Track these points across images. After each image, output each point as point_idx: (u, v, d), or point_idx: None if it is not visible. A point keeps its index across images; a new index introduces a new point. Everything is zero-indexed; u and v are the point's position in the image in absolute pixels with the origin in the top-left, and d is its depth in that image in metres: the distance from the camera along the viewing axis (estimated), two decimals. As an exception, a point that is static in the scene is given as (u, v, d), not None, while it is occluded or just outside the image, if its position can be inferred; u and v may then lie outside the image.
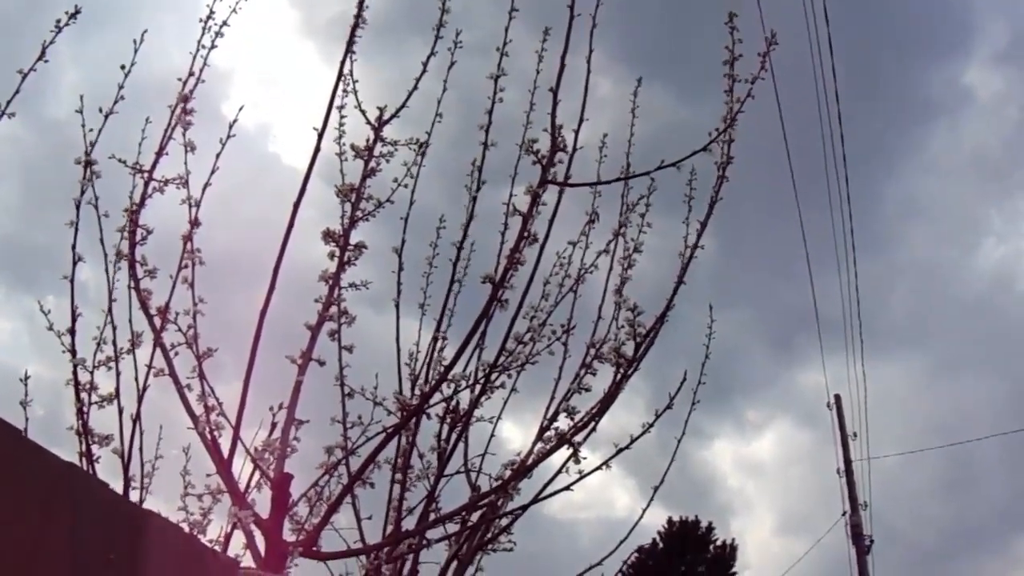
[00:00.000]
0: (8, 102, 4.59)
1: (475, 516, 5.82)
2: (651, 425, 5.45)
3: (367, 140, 5.12)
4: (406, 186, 5.43)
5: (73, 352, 5.11)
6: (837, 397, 27.70)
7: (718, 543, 45.97)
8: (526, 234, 5.00)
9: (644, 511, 6.38)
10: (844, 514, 26.55)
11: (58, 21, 4.84)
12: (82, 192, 5.13)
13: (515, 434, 6.61)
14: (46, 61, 4.81)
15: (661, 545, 44.57)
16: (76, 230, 5.12)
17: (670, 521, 45.04)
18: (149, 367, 5.03)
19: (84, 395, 5.09)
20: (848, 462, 27.03)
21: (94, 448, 5.10)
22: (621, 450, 5.36)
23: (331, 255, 4.98)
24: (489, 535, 6.05)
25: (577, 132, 5.10)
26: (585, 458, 5.22)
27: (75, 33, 4.84)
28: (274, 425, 4.69)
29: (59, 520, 2.88)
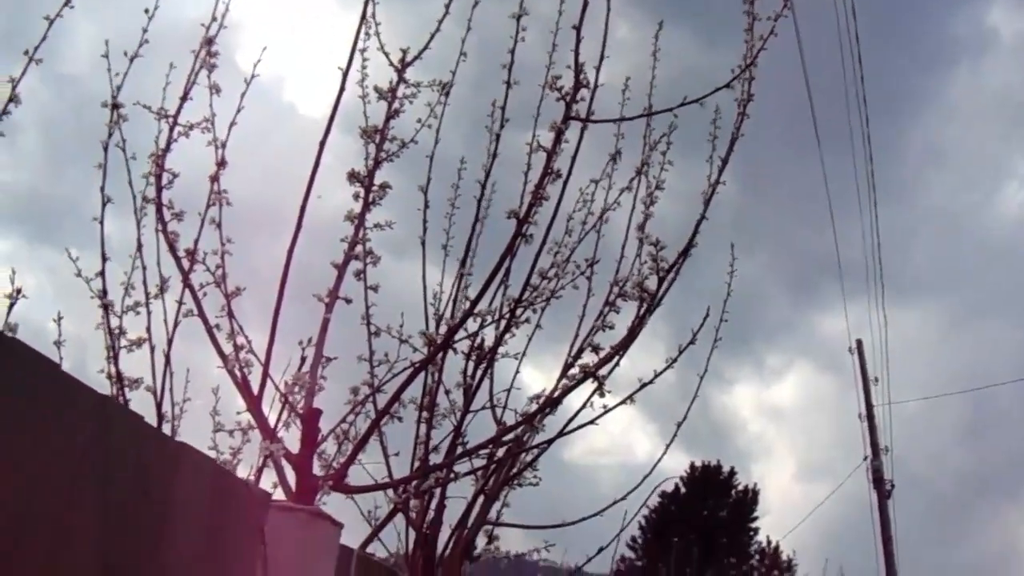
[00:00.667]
0: (36, 48, 4.61)
1: (501, 451, 5.90)
2: (674, 360, 5.49)
3: (390, 82, 5.15)
4: (430, 126, 5.46)
5: (104, 295, 5.17)
6: (859, 342, 27.72)
7: (740, 488, 46.22)
8: (550, 170, 5.03)
9: (667, 447, 6.46)
10: (865, 459, 26.60)
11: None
12: (109, 135, 5.17)
13: (539, 377, 6.67)
14: (72, 7, 4.82)
15: (684, 490, 44.80)
16: (104, 172, 5.16)
17: (692, 466, 45.32)
18: (180, 303, 5.08)
19: (114, 340, 5.16)
20: (870, 407, 27.06)
21: (126, 392, 5.18)
22: (645, 384, 5.41)
23: (356, 196, 5.02)
24: (515, 470, 6.13)
25: (598, 70, 5.10)
26: (610, 391, 5.28)
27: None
28: (303, 360, 4.74)
29: (95, 452, 2.94)
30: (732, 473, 46.10)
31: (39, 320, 4.96)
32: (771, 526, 45.33)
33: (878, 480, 26.05)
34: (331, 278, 4.93)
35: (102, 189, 5.15)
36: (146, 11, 5.19)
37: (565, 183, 5.16)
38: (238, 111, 5.22)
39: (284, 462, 4.58)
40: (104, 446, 2.97)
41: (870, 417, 26.90)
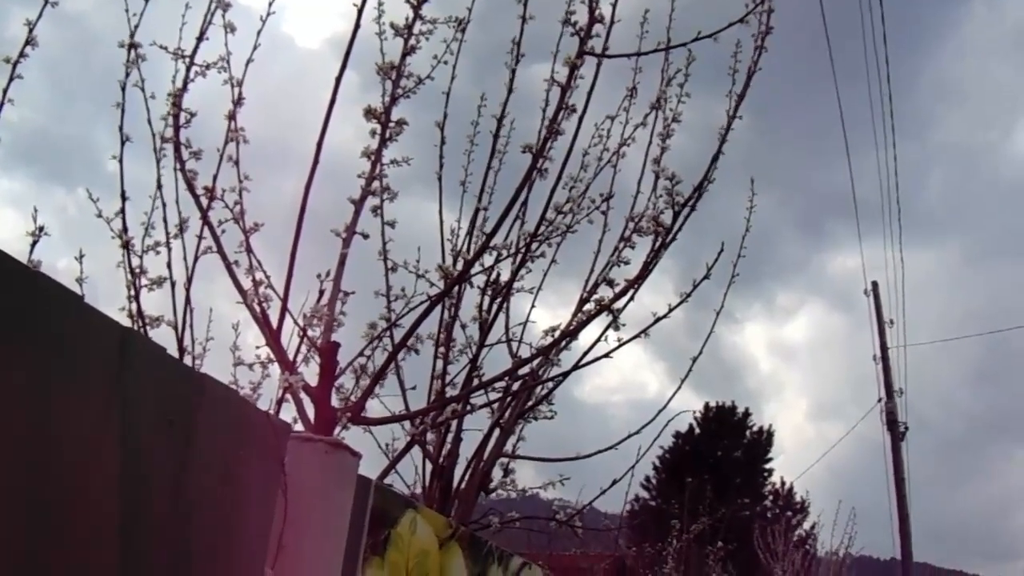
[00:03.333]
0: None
1: (516, 384, 5.97)
2: (688, 295, 5.54)
3: (406, 19, 5.16)
4: (446, 63, 5.48)
5: (124, 230, 5.23)
6: (875, 284, 27.74)
7: (755, 429, 46.42)
8: (564, 105, 5.05)
9: (682, 382, 6.52)
10: (880, 401, 26.67)
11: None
12: (127, 74, 5.21)
13: (554, 312, 6.72)
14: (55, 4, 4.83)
15: (698, 430, 45.02)
16: (123, 111, 5.21)
17: (706, 407, 45.52)
18: (200, 237, 5.14)
19: (135, 278, 5.23)
20: (884, 349, 27.10)
21: (146, 330, 5.25)
22: (660, 318, 5.46)
23: (372, 132, 5.04)
24: (530, 403, 6.20)
25: (615, 5, 5.10)
26: (624, 325, 5.34)
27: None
28: (321, 293, 4.79)
29: (118, 383, 2.99)
30: (747, 414, 46.34)
31: (49, 260, 5.01)
32: (784, 466, 45.67)
33: (892, 422, 26.15)
34: (345, 214, 4.97)
35: (120, 128, 5.20)
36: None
37: (581, 118, 5.18)
38: (254, 48, 5.24)
39: (303, 395, 4.64)
40: (127, 377, 3.02)
41: (884, 359, 26.96)
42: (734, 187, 6.25)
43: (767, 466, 46.02)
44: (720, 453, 44.85)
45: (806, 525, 35.93)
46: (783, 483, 44.68)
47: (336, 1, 5.13)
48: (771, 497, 44.95)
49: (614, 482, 6.91)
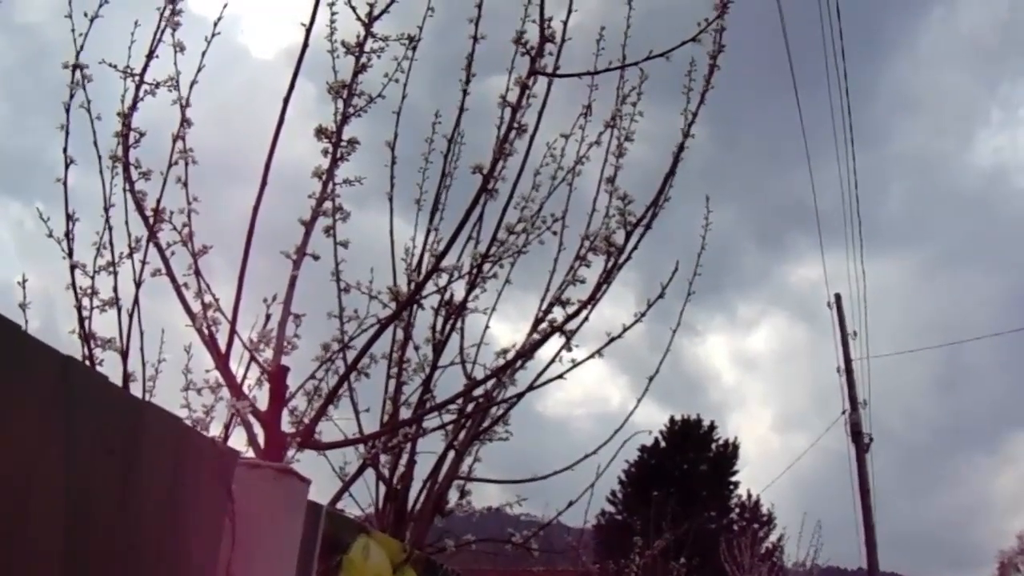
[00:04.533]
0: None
1: (471, 405, 5.92)
2: (643, 314, 5.52)
3: (357, 36, 5.12)
4: (397, 81, 5.42)
5: (71, 254, 5.15)
6: (838, 296, 27.87)
7: (720, 442, 46.52)
8: (516, 125, 5.01)
9: (639, 401, 6.48)
10: (844, 413, 26.79)
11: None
12: (71, 96, 5.14)
13: (510, 330, 6.68)
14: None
15: (663, 444, 45.09)
16: (67, 133, 5.14)
17: (672, 420, 45.59)
18: (143, 263, 5.07)
19: (84, 300, 5.16)
20: (848, 361, 27.23)
21: (96, 352, 5.18)
22: (613, 339, 5.43)
23: (324, 151, 5.00)
24: (485, 424, 6.16)
25: (566, 23, 5.08)
26: (577, 346, 5.30)
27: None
28: (268, 317, 4.74)
29: (57, 413, 2.93)
30: (712, 427, 46.44)
31: (6, 275, 4.94)
32: (749, 478, 45.82)
33: (856, 434, 26.26)
34: (298, 231, 4.93)
35: (65, 150, 5.12)
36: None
37: (532, 137, 5.14)
38: (199, 70, 5.18)
39: (253, 419, 4.58)
40: (68, 406, 2.97)
41: (848, 371, 27.08)
42: (694, 197, 6.21)
43: (733, 479, 46.15)
44: (686, 466, 44.93)
45: (773, 537, 36.06)
46: (749, 496, 44.83)
47: (291, 11, 5.07)
48: (737, 510, 45.04)
49: (570, 503, 6.88)
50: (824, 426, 28.36)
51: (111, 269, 5.23)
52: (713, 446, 46.48)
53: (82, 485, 3.04)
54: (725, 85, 5.57)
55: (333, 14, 5.20)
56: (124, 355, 5.12)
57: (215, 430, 5.26)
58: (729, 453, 46.33)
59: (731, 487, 45.94)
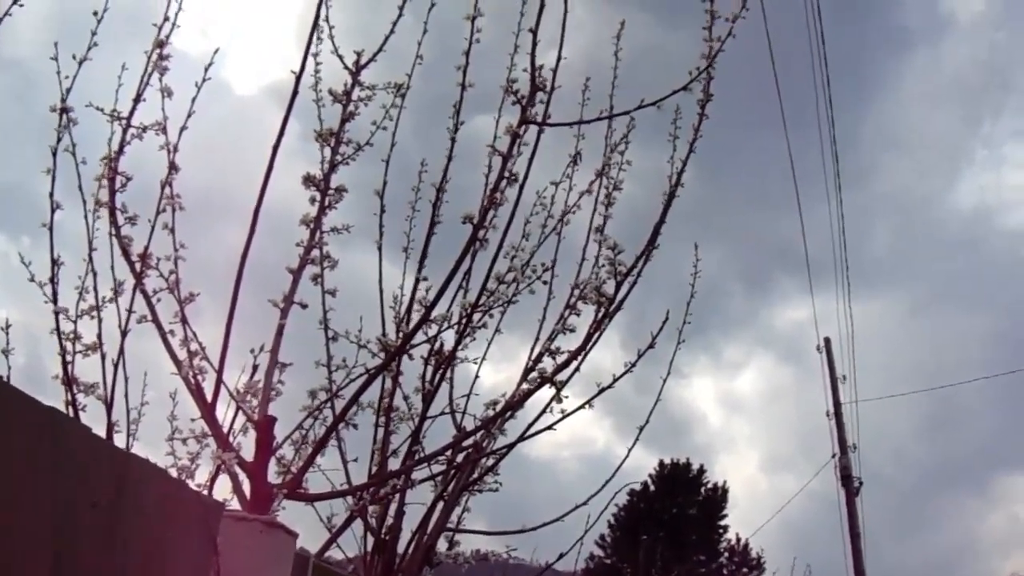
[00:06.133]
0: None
1: (460, 456, 5.86)
2: (633, 364, 5.47)
3: (345, 84, 5.11)
4: (385, 128, 5.41)
5: (55, 300, 5.10)
6: (827, 340, 27.78)
7: (709, 485, 46.37)
8: (506, 174, 4.99)
9: (629, 451, 6.41)
10: (834, 456, 26.69)
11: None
12: (58, 140, 5.10)
13: (500, 377, 6.62)
14: (21, 5, 4.75)
15: (652, 488, 44.92)
16: (53, 178, 5.09)
17: (661, 464, 45.44)
18: (129, 311, 5.02)
19: (68, 344, 5.10)
20: (838, 405, 27.14)
21: (79, 397, 5.11)
22: (603, 389, 5.39)
23: (312, 200, 4.98)
24: (475, 475, 6.09)
25: (555, 72, 5.07)
26: (567, 397, 5.25)
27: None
28: (255, 368, 4.70)
29: (42, 465, 2.89)
30: (701, 471, 46.28)
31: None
32: (739, 520, 45.53)
33: (846, 478, 26.15)
34: (283, 271, 4.89)
35: (51, 195, 5.08)
36: (95, 13, 5.12)
37: (522, 187, 5.12)
38: (188, 116, 5.16)
39: (239, 470, 4.53)
40: (53, 459, 2.93)
41: (838, 415, 27.00)
42: (679, 236, 6.14)
43: (722, 523, 45.95)
44: (675, 510, 44.73)
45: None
46: (738, 539, 44.64)
47: (274, 47, 5.08)
48: (727, 554, 44.85)
49: (561, 555, 6.80)
50: (812, 467, 28.33)
51: (93, 314, 5.17)
52: (702, 489, 46.32)
53: (67, 538, 2.99)
54: (710, 124, 5.55)
55: (318, 63, 5.20)
56: (108, 405, 5.05)
57: (200, 477, 5.19)
58: (718, 496, 46.17)
59: (720, 531, 45.74)
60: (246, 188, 4.76)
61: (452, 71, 5.35)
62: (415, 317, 5.85)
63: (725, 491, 46.11)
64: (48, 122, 5.09)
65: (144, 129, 5.18)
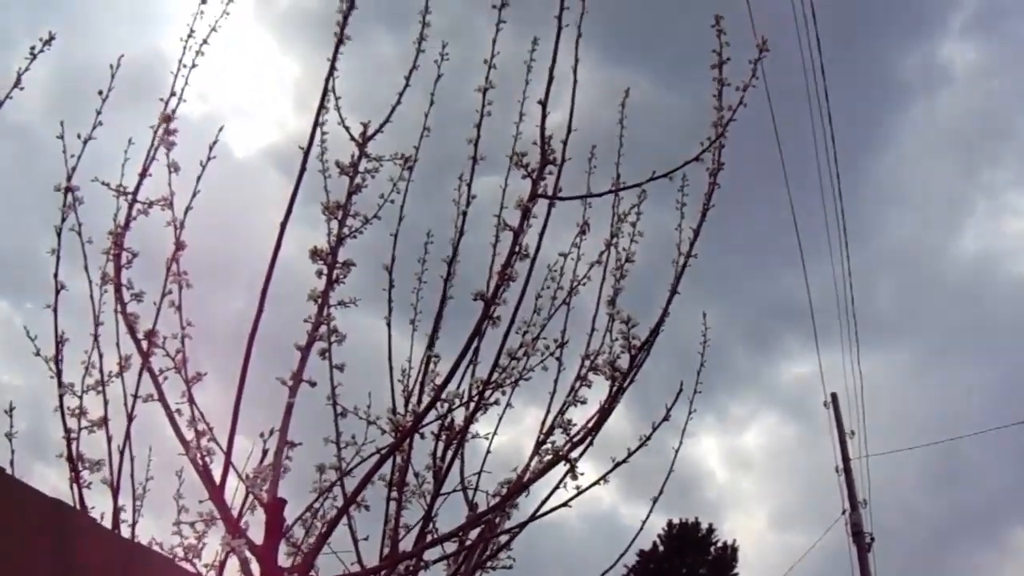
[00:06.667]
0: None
1: (473, 534, 5.77)
2: (648, 438, 5.38)
3: (352, 156, 5.07)
4: (392, 201, 5.37)
5: (59, 379, 5.03)
6: (834, 396, 27.64)
7: (719, 544, 45.97)
8: (517, 249, 4.93)
9: (644, 523, 6.29)
10: (844, 512, 26.49)
11: (32, 48, 4.79)
12: (63, 219, 5.06)
13: (502, 439, 6.52)
14: (22, 88, 4.74)
15: (662, 548, 44.55)
16: (58, 259, 5.06)
17: (670, 524, 45.06)
18: (135, 396, 4.96)
19: (73, 420, 5.04)
20: (847, 460, 26.96)
21: (84, 474, 5.04)
22: (619, 464, 5.30)
23: (319, 273, 4.92)
24: (488, 553, 6.00)
25: (565, 143, 5.03)
26: (583, 473, 5.16)
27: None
28: (265, 453, 4.61)
29: (48, 559, 2.82)
30: (710, 530, 45.88)
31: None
32: (748, 581, 45.07)
33: (857, 534, 25.93)
34: (288, 338, 4.84)
35: (55, 275, 5.04)
36: (100, 93, 5.10)
37: (533, 261, 5.06)
38: (194, 195, 5.13)
39: (249, 554, 4.44)
40: (59, 552, 2.85)
41: (847, 471, 26.80)
42: (680, 296, 6.07)
43: (733, 583, 45.51)
44: (685, 571, 44.33)
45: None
46: (749, 599, 44.19)
47: (272, 110, 5.06)
48: (738, 615, 44.40)
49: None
50: (821, 523, 28.03)
51: (99, 390, 5.10)
52: (712, 548, 45.91)
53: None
54: (701, 184, 5.54)
55: (324, 133, 5.16)
56: (115, 490, 4.98)
57: (208, 556, 5.11)
58: (728, 555, 45.73)
59: (731, 590, 45.32)
60: (246, 252, 4.72)
61: (451, 131, 5.34)
62: (426, 392, 5.79)
63: (735, 550, 45.68)
64: (50, 189, 5.06)
65: (150, 204, 5.14)
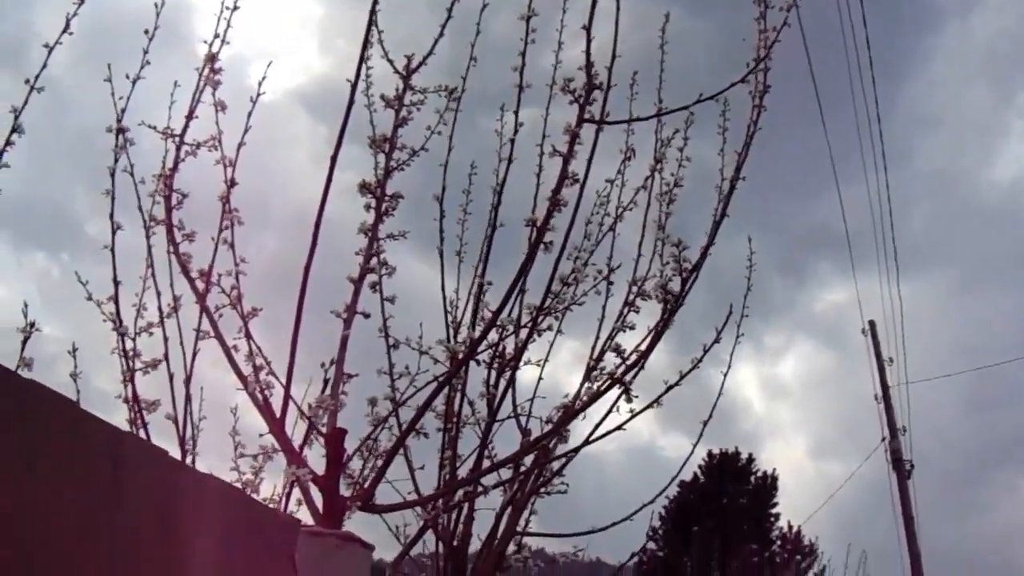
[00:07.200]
0: (36, 76, 4.57)
1: (528, 459, 5.84)
2: (699, 360, 5.43)
3: (396, 89, 5.07)
4: (439, 133, 5.37)
5: (116, 321, 5.10)
6: (872, 323, 27.55)
7: (758, 474, 46.07)
8: (566, 176, 4.93)
9: (693, 449, 6.34)
10: (883, 440, 26.47)
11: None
12: (116, 160, 5.12)
13: (560, 377, 6.55)
14: (71, 34, 4.75)
15: (702, 479, 44.67)
16: (112, 199, 5.12)
17: (709, 454, 45.15)
18: (197, 331, 5.02)
19: (131, 365, 5.11)
20: (885, 388, 26.90)
21: (143, 415, 5.12)
22: (671, 387, 5.36)
23: (367, 207, 4.94)
24: (542, 479, 6.06)
25: (610, 70, 5.01)
26: (637, 396, 5.20)
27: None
28: (327, 383, 4.66)
29: (117, 489, 2.87)
30: (750, 460, 45.95)
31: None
32: (788, 507, 45.15)
33: (897, 461, 25.93)
34: (331, 279, 4.88)
35: (111, 216, 5.10)
36: (146, 31, 5.13)
37: (582, 187, 5.06)
38: (246, 131, 5.17)
39: (311, 485, 4.51)
40: (122, 482, 2.90)
41: (886, 398, 26.76)
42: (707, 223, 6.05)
43: (773, 511, 45.62)
44: (725, 500, 44.47)
45: (816, 568, 35.65)
46: (790, 527, 44.30)
47: (295, 53, 5.08)
48: (779, 542, 44.52)
49: (634, 555, 6.76)
50: (860, 451, 28.05)
51: (151, 332, 5.18)
52: (752, 478, 46.01)
53: (139, 563, 2.96)
54: (741, 110, 5.52)
55: (369, 69, 5.16)
56: (179, 425, 5.07)
57: (265, 490, 5.19)
58: (768, 485, 45.83)
59: (772, 519, 45.43)
60: (280, 194, 4.74)
61: (484, 66, 5.34)
62: (479, 320, 5.83)
63: (775, 479, 45.78)
64: (80, 140, 5.12)
65: (198, 146, 5.19)
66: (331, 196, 4.74)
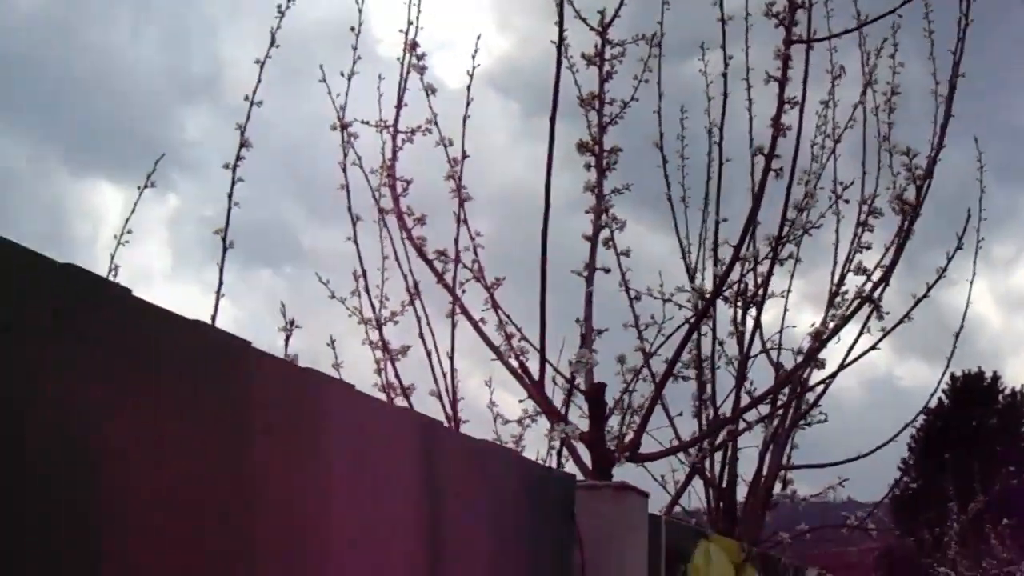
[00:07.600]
0: (254, 91, 4.73)
1: (785, 391, 5.80)
2: (944, 269, 5.34)
3: (595, 46, 5.08)
4: (646, 81, 5.35)
5: (374, 311, 5.35)
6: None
7: (1006, 392, 44.47)
8: (785, 100, 4.85)
9: (938, 386, 6.23)
10: None
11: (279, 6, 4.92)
12: (345, 155, 5.31)
13: (791, 316, 6.48)
14: (277, 47, 4.90)
15: (947, 403, 43.35)
16: (348, 192, 5.33)
17: (952, 378, 43.72)
18: (453, 301, 5.15)
19: (386, 353, 5.33)
20: None
21: (398, 400, 5.32)
22: (919, 300, 5.26)
23: (587, 165, 4.97)
24: (802, 410, 6.03)
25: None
26: (888, 312, 5.12)
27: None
28: (582, 337, 4.71)
29: (420, 462, 2.95)
30: (995, 378, 44.37)
31: (270, 339, 5.07)
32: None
33: None
34: (565, 253, 4.93)
35: (349, 208, 5.30)
36: (352, 28, 5.30)
37: (801, 109, 4.98)
38: (468, 104, 5.30)
39: (578, 442, 4.59)
40: (429, 463, 2.99)
41: None
42: (921, 133, 5.84)
43: (1025, 429, 43.95)
44: (974, 423, 43.04)
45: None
46: (1047, 446, 42.58)
47: (471, 37, 5.16)
48: (1035, 462, 42.88)
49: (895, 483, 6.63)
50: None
51: (396, 320, 5.37)
52: (1000, 397, 44.45)
53: (429, 530, 3.05)
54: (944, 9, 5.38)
55: (565, 30, 5.18)
56: (452, 401, 5.28)
57: (528, 454, 5.32)
58: (1018, 402, 44.19)
59: (1025, 438, 43.80)
60: (476, 177, 4.83)
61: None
62: (718, 259, 5.82)
63: (1024, 396, 44.17)
64: (278, 158, 5.32)
65: (412, 132, 5.32)
66: (523, 179, 4.81)
